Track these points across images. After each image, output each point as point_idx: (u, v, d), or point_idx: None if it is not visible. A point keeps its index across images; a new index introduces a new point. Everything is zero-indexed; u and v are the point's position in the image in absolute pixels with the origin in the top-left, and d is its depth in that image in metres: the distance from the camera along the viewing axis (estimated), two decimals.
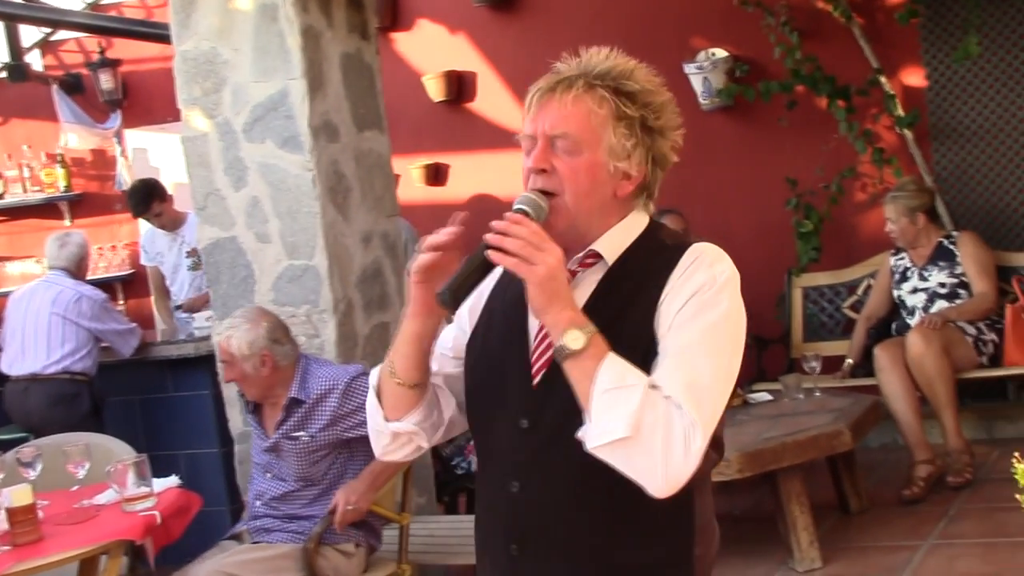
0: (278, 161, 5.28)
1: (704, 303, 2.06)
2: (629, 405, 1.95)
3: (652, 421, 1.96)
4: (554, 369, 2.08)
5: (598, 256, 2.16)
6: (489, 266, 2.05)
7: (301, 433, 4.50)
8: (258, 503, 4.65)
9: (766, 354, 7.38)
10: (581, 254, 2.16)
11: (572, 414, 2.02)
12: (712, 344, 2.04)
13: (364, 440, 4.52)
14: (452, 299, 2.07)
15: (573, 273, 2.15)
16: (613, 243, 2.15)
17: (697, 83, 7.69)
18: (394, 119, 6.58)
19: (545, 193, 2.11)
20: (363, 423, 4.39)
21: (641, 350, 2.04)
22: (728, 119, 7.85)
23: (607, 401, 1.97)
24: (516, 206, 2.09)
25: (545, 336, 2.13)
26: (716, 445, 2.11)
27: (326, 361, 4.74)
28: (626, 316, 2.09)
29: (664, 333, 2.05)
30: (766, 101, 7.38)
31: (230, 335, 4.54)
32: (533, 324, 2.17)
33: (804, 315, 7.56)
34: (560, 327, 2.00)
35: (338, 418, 4.48)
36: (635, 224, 2.18)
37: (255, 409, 4.68)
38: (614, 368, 1.98)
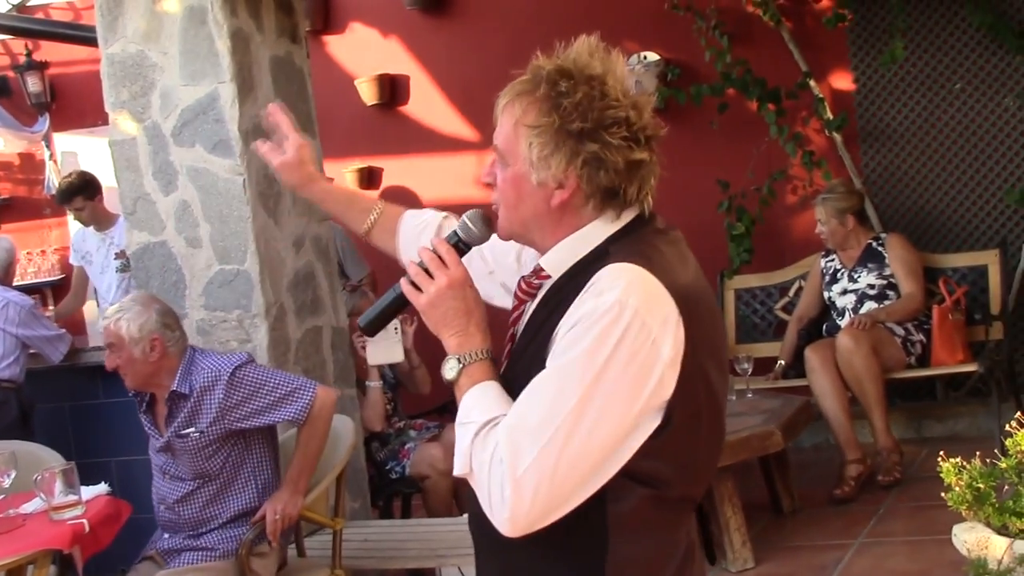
0: (208, 165, 5.25)
1: (573, 338, 1.90)
2: (463, 442, 1.94)
3: (479, 463, 1.90)
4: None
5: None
6: (405, 299, 2.09)
7: (191, 430, 4.42)
8: (162, 507, 4.57)
9: None
10: (532, 269, 2.12)
11: None
12: (557, 384, 1.88)
13: (259, 431, 4.49)
14: (369, 331, 2.15)
15: (530, 285, 2.10)
16: (559, 258, 2.06)
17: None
18: (326, 123, 6.56)
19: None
20: (253, 414, 4.41)
21: (536, 371, 1.95)
22: (663, 121, 7.87)
23: (459, 433, 1.96)
24: (454, 229, 2.11)
25: (505, 343, 2.14)
26: (647, 480, 1.94)
27: (211, 352, 4.63)
28: (535, 339, 2.02)
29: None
30: (697, 104, 7.43)
31: (119, 317, 4.43)
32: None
33: (736, 317, 7.61)
34: (447, 353, 2.02)
35: (225, 410, 4.40)
36: (591, 236, 2.05)
37: (148, 408, 4.60)
38: (467, 402, 1.97)
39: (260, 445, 4.49)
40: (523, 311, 2.12)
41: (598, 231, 2.05)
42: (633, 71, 7.64)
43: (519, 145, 2.03)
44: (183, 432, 4.42)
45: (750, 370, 6.49)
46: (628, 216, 2.07)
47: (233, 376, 4.37)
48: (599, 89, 2.01)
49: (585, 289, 1.93)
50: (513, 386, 1.99)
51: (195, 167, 5.27)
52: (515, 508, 1.85)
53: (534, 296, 2.10)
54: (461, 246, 2.13)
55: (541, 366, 1.93)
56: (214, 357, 4.51)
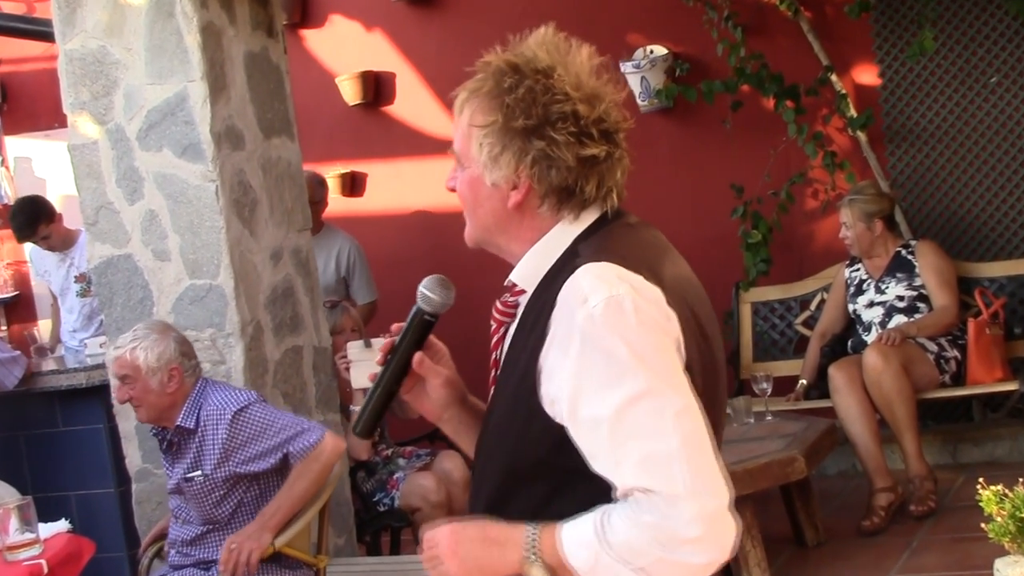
0: (177, 171, 5.24)
1: (602, 362, 1.93)
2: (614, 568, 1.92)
3: (631, 547, 1.91)
4: (481, 438, 2.16)
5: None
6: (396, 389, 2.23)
7: (196, 473, 4.50)
8: (172, 552, 4.66)
9: None
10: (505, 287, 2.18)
11: (480, 479, 2.14)
12: (634, 412, 1.91)
13: (272, 475, 4.52)
14: (366, 433, 2.25)
15: (507, 304, 2.16)
16: (528, 269, 2.12)
17: (635, 83, 7.72)
18: (305, 124, 6.54)
19: None
20: (258, 456, 4.44)
21: (524, 400, 2.01)
22: (668, 122, 7.89)
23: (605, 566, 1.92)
24: (416, 305, 2.18)
25: (491, 378, 2.17)
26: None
27: (223, 386, 4.71)
28: (518, 362, 2.05)
29: (566, 397, 1.95)
30: (709, 102, 7.43)
31: (135, 346, 4.54)
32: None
33: (753, 333, 7.60)
34: None
35: (229, 452, 4.46)
36: (557, 241, 2.11)
37: (168, 447, 4.65)
38: (577, 556, 1.93)
39: (274, 490, 4.53)
40: (504, 333, 2.17)
41: (563, 235, 2.10)
42: (639, 67, 7.65)
43: (471, 146, 2.10)
44: (189, 475, 4.50)
45: (769, 390, 6.48)
46: (591, 216, 2.13)
47: (237, 417, 4.49)
48: (543, 83, 2.05)
49: (563, 301, 1.98)
50: (496, 416, 2.09)
51: (163, 173, 5.26)
52: (701, 517, 1.88)
53: (513, 316, 2.15)
54: (428, 318, 2.20)
55: (527, 393, 1.99)
56: (223, 393, 4.60)
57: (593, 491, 1.96)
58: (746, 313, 7.63)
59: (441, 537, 2.04)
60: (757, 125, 7.56)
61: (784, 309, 7.57)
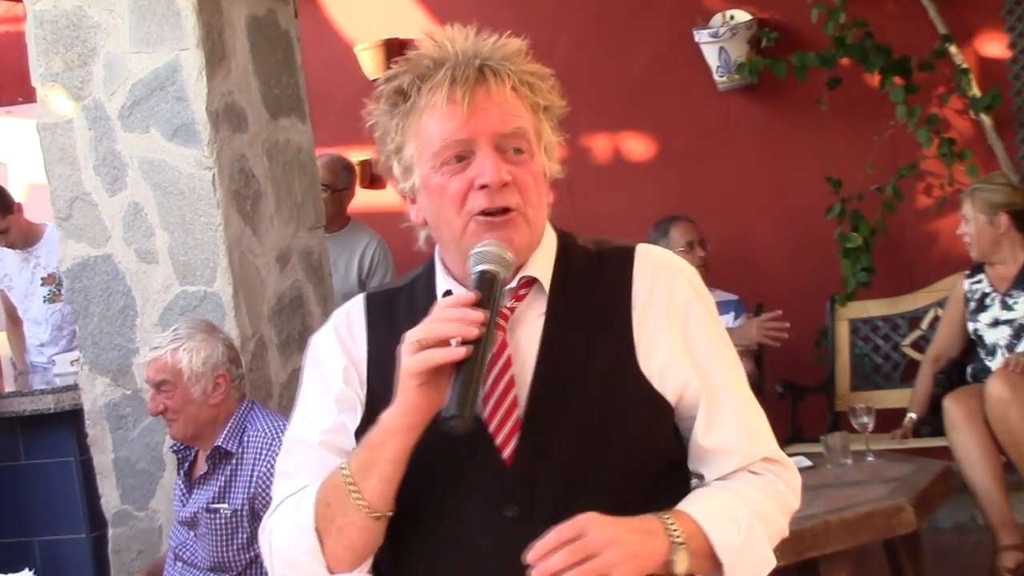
0: (166, 156, 5.27)
1: (709, 325, 2.41)
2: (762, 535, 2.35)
3: (778, 494, 2.44)
4: (529, 434, 2.28)
5: (532, 282, 2.37)
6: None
7: (223, 505, 4.50)
8: None
9: (803, 406, 7.40)
10: (514, 283, 2.34)
11: (572, 488, 2.26)
12: (738, 373, 2.45)
13: None
14: (470, 421, 2.15)
15: (511, 310, 2.33)
16: (543, 263, 2.38)
17: (711, 55, 7.73)
18: (319, 102, 6.58)
19: (505, 211, 2.28)
20: None
21: (621, 381, 2.32)
22: (751, 101, 7.90)
23: (745, 552, 2.32)
24: (479, 268, 2.24)
25: (501, 387, 2.29)
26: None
27: (272, 412, 4.77)
28: (596, 347, 2.33)
29: (697, 361, 2.36)
30: (801, 79, 7.42)
31: (177, 347, 4.58)
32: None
33: (852, 356, 7.58)
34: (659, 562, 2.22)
35: (269, 488, 4.45)
36: (550, 236, 2.43)
37: (191, 468, 4.68)
38: (719, 530, 2.28)
39: None
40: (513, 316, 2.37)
41: (550, 231, 2.44)
42: (717, 36, 7.65)
43: (542, 129, 2.36)
44: (214, 506, 4.50)
45: (871, 426, 6.45)
46: None
47: None
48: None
49: (649, 275, 2.38)
50: (587, 414, 2.31)
51: (149, 159, 5.30)
52: (799, 489, 2.50)
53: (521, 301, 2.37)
54: (494, 285, 2.25)
55: (628, 360, 2.32)
56: (274, 420, 4.64)
57: (683, 479, 2.41)
58: (843, 332, 7.61)
59: (590, 527, 2.14)
60: (859, 107, 7.56)
61: (889, 328, 7.55)
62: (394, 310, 2.44)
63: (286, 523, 2.34)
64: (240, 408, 4.60)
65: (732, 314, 7.27)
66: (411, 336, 2.18)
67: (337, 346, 2.42)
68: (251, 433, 4.54)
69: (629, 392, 2.32)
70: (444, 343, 2.16)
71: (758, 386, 7.34)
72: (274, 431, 4.52)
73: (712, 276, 7.21)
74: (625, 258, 2.39)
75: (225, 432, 4.54)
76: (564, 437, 2.30)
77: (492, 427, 2.28)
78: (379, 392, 2.33)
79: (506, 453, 2.28)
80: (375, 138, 2.41)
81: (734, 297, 7.36)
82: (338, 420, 2.38)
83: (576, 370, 2.32)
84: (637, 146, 8.24)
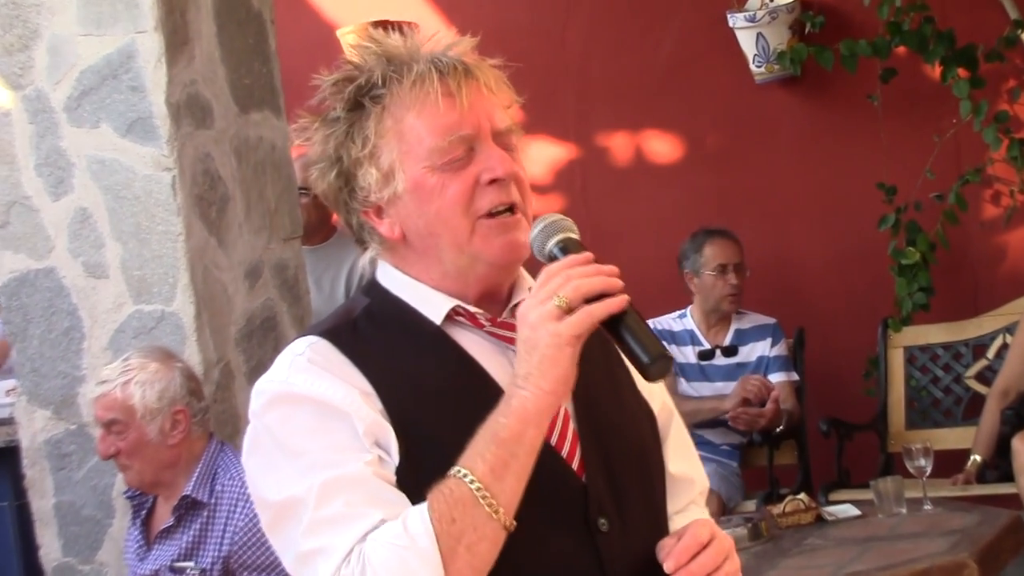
0: (119, 155, 5.26)
1: None
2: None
3: None
4: (588, 446, 2.49)
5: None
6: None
7: (188, 564, 4.46)
8: None
9: (850, 446, 7.39)
10: (514, 303, 2.52)
11: (641, 497, 2.54)
12: None
13: None
14: (670, 358, 2.41)
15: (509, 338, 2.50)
16: (527, 278, 2.56)
17: (748, 42, 7.72)
18: (296, 94, 6.56)
19: (512, 209, 2.46)
20: (276, 564, 4.38)
21: (634, 396, 2.61)
22: (793, 95, 7.90)
23: None
24: (558, 240, 2.43)
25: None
26: None
27: None
28: (609, 363, 2.58)
29: (651, 387, 2.60)
30: (851, 71, 7.41)
31: (128, 380, 4.53)
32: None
33: (907, 389, 7.57)
34: None
35: (245, 547, 4.42)
36: None
37: (147, 518, 4.63)
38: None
39: None
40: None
41: None
42: (755, 20, 7.64)
43: (516, 127, 2.54)
44: (179, 564, 4.47)
45: (928, 469, 6.43)
46: None
47: None
48: None
49: None
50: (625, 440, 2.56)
51: (100, 157, 5.29)
52: None
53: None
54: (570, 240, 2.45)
55: (644, 408, 2.62)
56: None
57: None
58: (897, 361, 7.59)
59: (715, 531, 2.45)
60: (917, 102, 7.58)
61: (951, 357, 7.54)
62: (367, 344, 2.48)
63: (392, 559, 2.31)
64: (208, 450, 4.55)
65: (769, 340, 7.27)
66: (542, 303, 2.31)
67: (333, 379, 2.43)
68: (224, 481, 4.48)
69: (640, 406, 2.61)
70: (594, 299, 2.31)
71: (799, 423, 7.32)
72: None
73: (746, 295, 7.21)
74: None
75: (194, 479, 4.48)
76: (615, 447, 2.53)
77: (554, 440, 2.44)
78: (412, 419, 2.40)
79: (575, 466, 2.46)
80: (317, 154, 2.48)
81: (771, 321, 7.35)
82: (375, 453, 2.39)
83: (602, 382, 2.55)
84: (661, 147, 8.23)
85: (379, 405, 2.41)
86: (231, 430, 5.33)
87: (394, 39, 2.48)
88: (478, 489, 2.28)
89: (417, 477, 2.35)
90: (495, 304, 2.51)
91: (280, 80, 5.85)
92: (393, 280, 2.51)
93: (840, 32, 7.63)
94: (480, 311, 2.48)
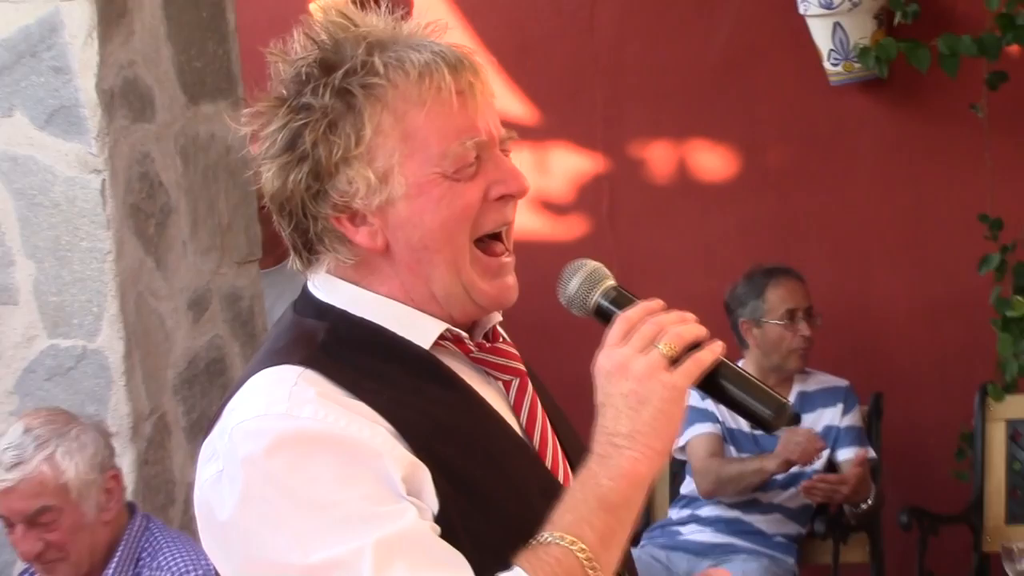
0: (36, 151, 5.29)
1: None
2: None
3: None
4: (573, 466, 2.64)
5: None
6: None
7: None
8: None
9: (936, 543, 7.41)
10: (491, 325, 2.69)
11: None
12: None
13: None
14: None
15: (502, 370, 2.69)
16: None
17: (822, 34, 7.73)
18: (258, 84, 6.56)
19: (501, 240, 2.62)
20: None
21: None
22: (876, 102, 7.91)
23: None
24: (606, 290, 2.60)
25: (544, 436, 2.67)
26: None
27: (182, 536, 4.73)
28: (565, 425, 2.75)
29: None
30: (950, 74, 7.41)
31: (50, 452, 4.48)
32: (512, 420, 2.65)
33: (1008, 473, 7.57)
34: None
35: None
36: None
37: None
38: None
39: None
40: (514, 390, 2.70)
41: None
42: (832, 8, 7.65)
43: None
44: None
45: None
46: None
47: None
48: None
49: None
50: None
51: (11, 154, 5.32)
52: None
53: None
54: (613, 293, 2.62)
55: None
56: (184, 545, 4.59)
57: None
58: (997, 438, 7.59)
59: None
60: None
61: None
62: (356, 373, 2.52)
63: None
64: (131, 527, 4.53)
65: (840, 406, 7.24)
66: (643, 352, 2.45)
67: (350, 413, 2.46)
68: (153, 568, 4.47)
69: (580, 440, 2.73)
70: (693, 347, 2.48)
71: (875, 511, 7.31)
72: (188, 563, 4.47)
73: (813, 350, 7.21)
74: None
75: (114, 565, 4.47)
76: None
77: (549, 462, 2.65)
78: (441, 460, 2.48)
79: (561, 478, 2.64)
80: (278, 146, 2.51)
81: (843, 383, 7.33)
82: (417, 504, 2.45)
83: (555, 410, 2.74)
84: (709, 161, 8.24)
85: (405, 444, 2.46)
86: (164, 499, 5.34)
87: (372, 18, 2.53)
88: (588, 560, 2.39)
89: (452, 528, 2.43)
90: (469, 329, 2.62)
91: (239, 65, 5.88)
92: (355, 299, 2.57)
93: (938, 25, 7.63)
94: (466, 335, 2.59)
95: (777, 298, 7.19)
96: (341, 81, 2.46)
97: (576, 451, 2.65)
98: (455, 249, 2.51)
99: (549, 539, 2.40)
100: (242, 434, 2.44)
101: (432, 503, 2.44)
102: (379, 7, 2.55)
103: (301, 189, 2.49)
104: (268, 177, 2.53)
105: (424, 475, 2.45)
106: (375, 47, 2.48)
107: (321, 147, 2.47)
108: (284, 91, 2.52)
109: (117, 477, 4.56)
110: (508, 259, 2.58)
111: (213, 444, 2.50)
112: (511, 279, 2.59)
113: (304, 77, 2.49)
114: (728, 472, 7.03)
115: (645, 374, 2.41)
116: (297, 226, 2.54)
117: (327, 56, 2.49)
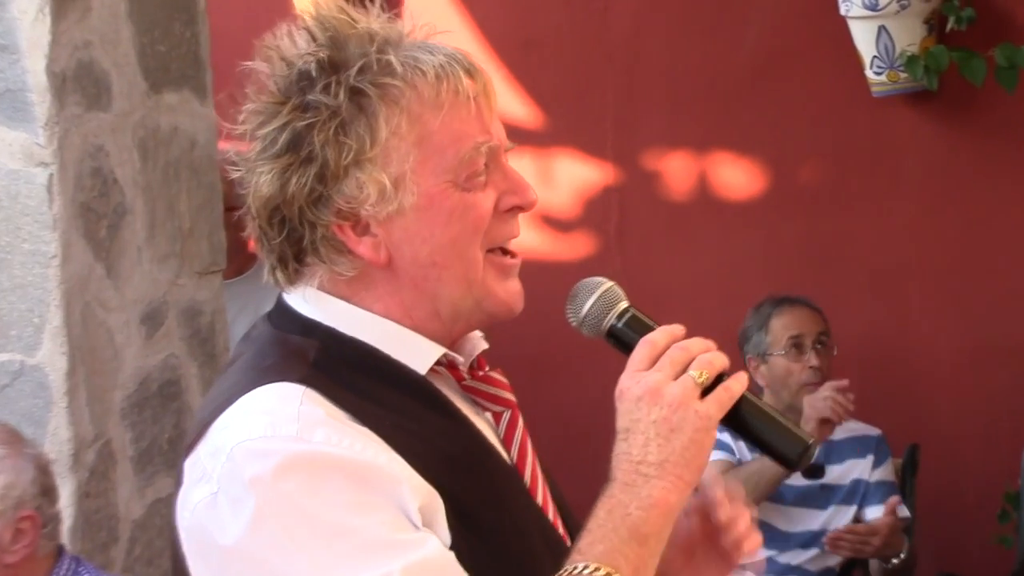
0: None
1: None
2: None
3: None
4: (551, 493, 2.87)
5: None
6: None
7: None
8: None
9: None
10: (477, 354, 2.86)
11: None
12: None
13: None
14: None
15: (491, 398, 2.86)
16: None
17: (865, 39, 7.74)
18: (228, 70, 6.56)
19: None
20: None
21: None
22: (925, 117, 7.92)
23: None
24: (621, 312, 2.75)
25: (534, 472, 2.84)
26: None
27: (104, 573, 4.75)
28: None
29: None
30: (1008, 88, 7.42)
31: None
32: (503, 453, 2.81)
33: None
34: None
35: None
36: None
37: None
38: None
39: None
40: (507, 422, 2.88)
41: None
42: (878, 9, 7.65)
43: None
44: None
45: None
46: None
47: None
48: None
49: None
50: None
51: None
52: None
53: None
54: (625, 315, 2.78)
55: None
56: None
57: None
58: None
59: None
60: None
61: None
62: (356, 396, 2.61)
63: None
64: (55, 574, 4.51)
65: (870, 458, 7.22)
66: (677, 379, 2.59)
67: (362, 436, 2.55)
68: None
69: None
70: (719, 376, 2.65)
71: (907, 569, 7.29)
72: None
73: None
74: None
75: None
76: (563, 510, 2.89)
77: (540, 500, 2.83)
78: (451, 490, 2.59)
79: (551, 515, 2.83)
80: (278, 148, 2.56)
81: (874, 432, 7.32)
82: (433, 533, 2.56)
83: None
84: (733, 176, 8.25)
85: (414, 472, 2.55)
86: (106, 536, 5.33)
87: (368, 17, 2.61)
88: None
89: (463, 561, 2.53)
90: (463, 352, 2.79)
91: (209, 50, 5.89)
92: (346, 317, 2.66)
93: (996, 34, 7.65)
94: (462, 360, 2.75)
95: (780, 326, 7.11)
96: (355, 79, 2.51)
97: (555, 489, 2.85)
98: (469, 263, 2.64)
99: (584, 570, 2.49)
100: (246, 454, 2.49)
101: (444, 536, 2.52)
102: (373, 5, 2.61)
103: (303, 193, 2.54)
104: (264, 180, 2.56)
105: (439, 505, 2.55)
106: (388, 45, 2.54)
107: (330, 148, 2.52)
108: (278, 88, 2.55)
109: (33, 519, 4.51)
110: (516, 259, 2.73)
111: (201, 464, 2.55)
112: (519, 284, 2.73)
113: (308, 74, 2.52)
114: (747, 469, 6.81)
115: (680, 401, 2.53)
116: (291, 234, 2.58)
117: (333, 53, 2.52)
